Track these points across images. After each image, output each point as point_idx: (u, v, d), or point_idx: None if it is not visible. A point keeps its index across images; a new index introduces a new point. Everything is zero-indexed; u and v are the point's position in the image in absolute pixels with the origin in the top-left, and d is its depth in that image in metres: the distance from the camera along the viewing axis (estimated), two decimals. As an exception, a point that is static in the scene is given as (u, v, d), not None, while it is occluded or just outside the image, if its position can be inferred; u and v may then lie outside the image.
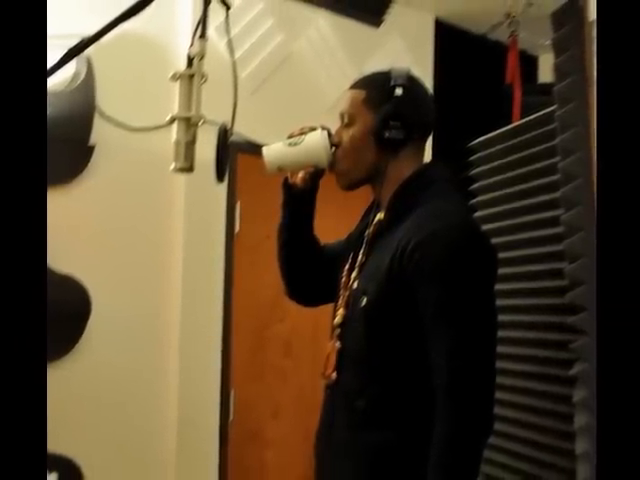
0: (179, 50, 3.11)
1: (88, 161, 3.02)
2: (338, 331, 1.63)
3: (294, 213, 1.78)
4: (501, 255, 1.62)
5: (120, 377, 3.08)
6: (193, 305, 3.25)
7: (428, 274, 1.45)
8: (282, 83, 3.54)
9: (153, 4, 1.30)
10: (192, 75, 1.38)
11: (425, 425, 1.44)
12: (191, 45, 1.39)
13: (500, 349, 1.50)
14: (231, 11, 1.45)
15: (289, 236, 1.80)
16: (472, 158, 2.31)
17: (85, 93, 2.98)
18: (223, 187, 3.28)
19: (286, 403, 3.51)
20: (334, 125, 1.67)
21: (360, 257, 1.64)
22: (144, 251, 3.19)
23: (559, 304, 1.82)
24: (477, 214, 2.20)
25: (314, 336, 3.41)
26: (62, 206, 2.88)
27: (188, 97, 1.37)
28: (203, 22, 1.39)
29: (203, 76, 1.39)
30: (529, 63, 4.44)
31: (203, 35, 1.39)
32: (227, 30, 1.47)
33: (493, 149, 2.22)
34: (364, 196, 1.73)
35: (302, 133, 1.68)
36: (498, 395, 1.50)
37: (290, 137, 1.69)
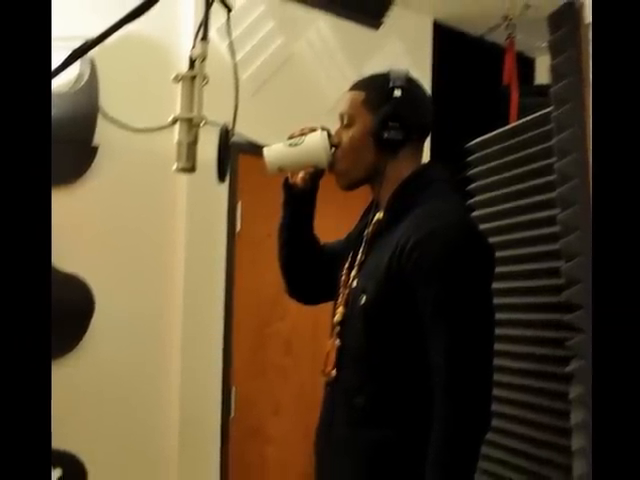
0: (181, 52, 3.11)
1: (92, 161, 3.02)
2: (338, 329, 1.63)
3: (294, 213, 1.78)
4: (498, 254, 1.62)
5: (123, 374, 3.08)
6: (195, 303, 3.25)
7: (426, 273, 1.45)
8: (283, 84, 3.54)
9: (156, 6, 1.30)
10: (194, 77, 1.38)
11: (424, 422, 1.44)
12: (193, 47, 1.39)
13: (497, 347, 1.50)
14: (232, 13, 1.45)
15: (289, 235, 1.80)
16: (470, 158, 2.31)
17: (89, 94, 2.98)
18: (224, 187, 3.28)
19: (286, 400, 3.51)
20: (334, 126, 1.67)
21: (359, 256, 1.64)
22: (147, 250, 3.19)
23: (555, 302, 1.81)
24: (475, 214, 2.20)
25: (314, 334, 3.42)
26: (66, 206, 2.88)
27: (190, 98, 1.38)
28: (205, 24, 1.39)
29: (205, 78, 1.39)
30: (526, 65, 4.44)
31: (205, 37, 1.39)
32: (228, 32, 1.47)
33: (490, 150, 2.22)
34: (363, 196, 1.73)
35: (302, 134, 1.68)
36: (496, 392, 1.50)
37: (290, 138, 1.69)
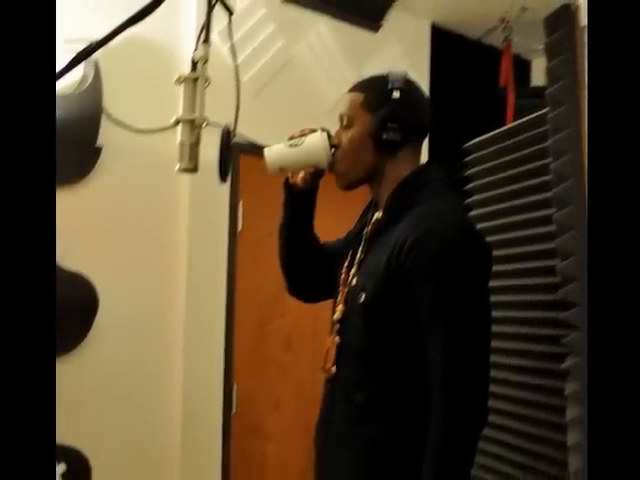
0: (183, 54, 3.10)
1: (95, 162, 3.01)
2: (337, 326, 1.63)
3: (295, 212, 1.78)
4: (495, 253, 1.62)
5: (126, 371, 3.08)
6: (197, 301, 3.25)
7: (424, 271, 1.45)
8: (283, 86, 3.54)
9: (158, 10, 1.30)
10: (196, 78, 1.38)
11: (422, 418, 1.44)
12: (195, 49, 1.39)
13: (494, 344, 1.50)
14: (234, 17, 1.45)
15: (290, 234, 1.80)
16: (467, 159, 2.31)
17: (93, 96, 2.97)
18: (226, 187, 3.28)
19: (287, 396, 3.51)
20: (333, 127, 1.67)
21: (359, 255, 1.64)
22: (150, 249, 3.19)
23: (551, 300, 1.82)
24: (472, 213, 2.20)
25: (314, 331, 3.41)
26: (71, 206, 2.87)
27: (192, 100, 1.38)
28: (207, 27, 1.40)
29: (207, 79, 1.39)
30: (522, 67, 4.44)
31: (207, 40, 1.39)
32: (230, 35, 1.47)
33: (487, 150, 2.22)
34: (363, 196, 1.73)
35: (302, 135, 1.68)
36: (492, 388, 1.50)
37: (291, 139, 1.69)
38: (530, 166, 1.99)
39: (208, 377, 3.27)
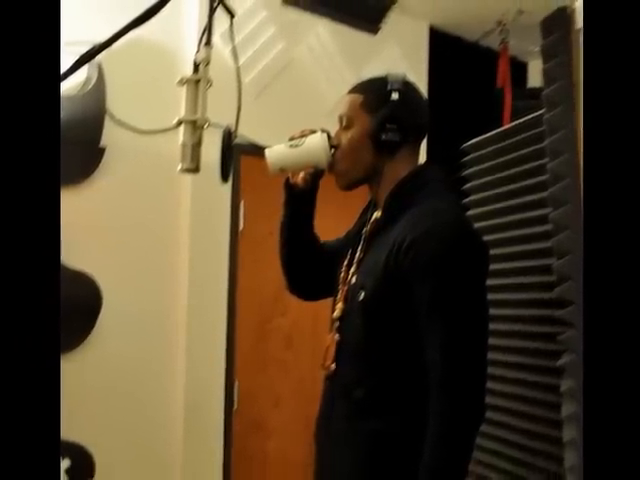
0: (186, 56, 3.11)
1: (99, 162, 3.01)
2: (337, 324, 1.63)
3: (295, 212, 1.78)
4: (492, 252, 1.62)
5: (130, 368, 3.08)
6: (199, 300, 3.25)
7: (423, 270, 1.45)
8: (284, 88, 3.54)
9: (161, 12, 1.29)
10: (198, 80, 1.38)
11: (421, 414, 1.44)
12: (197, 52, 1.39)
13: (492, 341, 1.50)
14: (235, 19, 1.45)
15: (290, 233, 1.80)
16: (465, 159, 2.31)
17: (96, 97, 2.97)
18: (227, 187, 3.28)
19: (287, 393, 3.51)
20: (333, 128, 1.67)
21: (358, 254, 1.64)
22: (152, 248, 3.19)
23: (547, 298, 1.82)
24: (469, 213, 2.20)
25: (314, 329, 3.41)
26: (75, 205, 2.87)
27: (194, 101, 1.38)
28: (208, 30, 1.39)
29: (208, 81, 1.39)
30: (519, 69, 4.44)
31: (209, 42, 1.39)
32: (231, 37, 1.47)
33: (484, 151, 2.22)
34: (362, 196, 1.73)
35: (303, 135, 1.68)
36: (490, 385, 1.50)
37: (291, 139, 1.69)
38: (527, 166, 1.99)
39: (210, 374, 3.27)
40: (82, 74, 2.96)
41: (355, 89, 1.66)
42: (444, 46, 4.18)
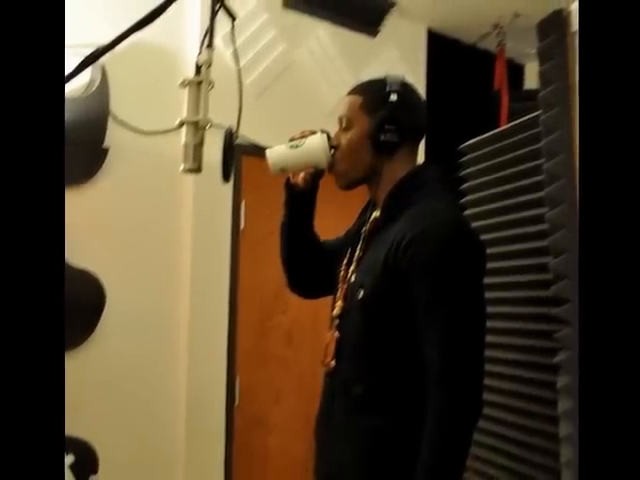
0: (188, 58, 3.11)
1: (102, 163, 3.01)
2: (337, 322, 1.63)
3: (295, 211, 1.78)
4: (489, 250, 1.62)
5: (133, 365, 3.08)
6: (201, 298, 3.25)
7: (421, 268, 1.45)
8: (284, 90, 3.54)
9: (164, 15, 1.29)
10: (200, 82, 1.38)
11: (420, 410, 1.44)
12: (199, 54, 1.39)
13: (489, 339, 1.50)
14: (236, 22, 1.45)
15: (291, 233, 1.80)
16: (462, 160, 2.31)
17: (100, 99, 2.97)
18: (229, 187, 3.28)
19: (287, 389, 3.51)
20: (333, 129, 1.67)
21: (357, 252, 1.64)
22: (155, 247, 3.19)
23: (544, 296, 1.82)
24: (467, 212, 2.20)
25: (314, 327, 3.41)
26: (78, 205, 2.87)
27: (196, 102, 1.37)
28: (210, 32, 1.39)
29: (210, 83, 1.38)
30: (516, 71, 4.44)
31: (210, 45, 1.39)
32: (233, 40, 1.47)
33: (482, 151, 2.22)
34: (361, 195, 1.73)
35: (303, 136, 1.68)
36: (487, 382, 1.50)
37: (292, 140, 1.69)
38: (523, 167, 1.99)
39: (211, 371, 3.27)
40: (86, 76, 2.96)
41: (354, 90, 1.66)
42: (442, 48, 4.18)
